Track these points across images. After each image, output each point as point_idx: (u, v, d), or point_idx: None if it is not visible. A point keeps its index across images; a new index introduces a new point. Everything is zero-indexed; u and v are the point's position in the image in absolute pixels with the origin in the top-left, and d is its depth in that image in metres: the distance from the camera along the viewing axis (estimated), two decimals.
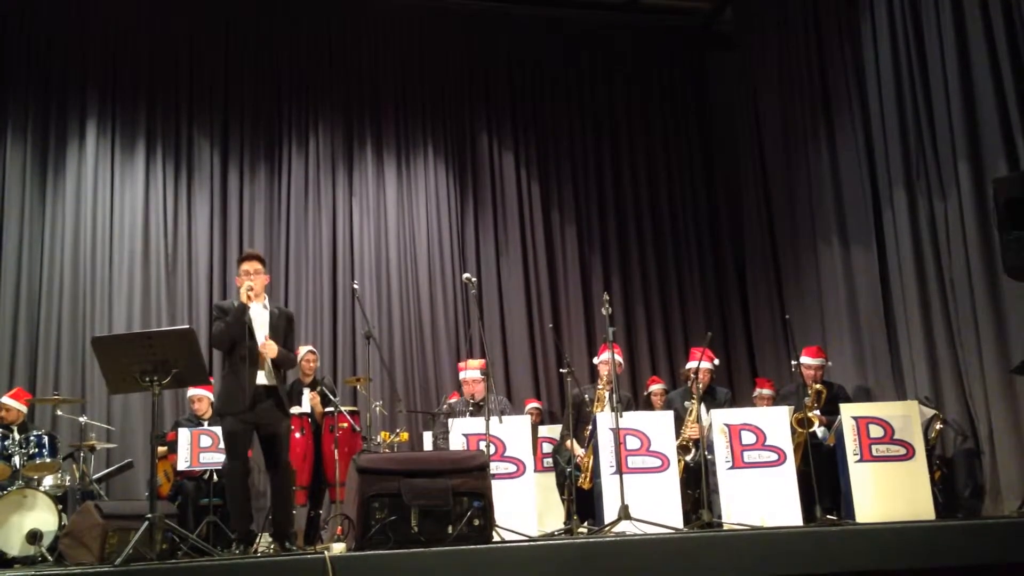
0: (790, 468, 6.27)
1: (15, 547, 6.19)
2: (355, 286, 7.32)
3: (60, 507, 6.45)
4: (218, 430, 6.84)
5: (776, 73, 9.64)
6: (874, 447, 6.34)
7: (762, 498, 6.16)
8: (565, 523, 6.43)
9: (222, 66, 9.63)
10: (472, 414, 7.10)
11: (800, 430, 6.68)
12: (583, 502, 6.69)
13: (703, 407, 6.91)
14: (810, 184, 9.09)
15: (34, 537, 6.22)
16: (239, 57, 9.69)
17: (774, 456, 6.30)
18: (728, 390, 7.94)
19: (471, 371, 7.42)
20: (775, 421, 6.40)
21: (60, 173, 9.00)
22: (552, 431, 7.93)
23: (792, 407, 6.86)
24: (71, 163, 9.03)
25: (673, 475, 6.24)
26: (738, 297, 10.41)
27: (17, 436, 6.66)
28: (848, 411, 6.45)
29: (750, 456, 6.30)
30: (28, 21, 9.09)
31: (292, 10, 9.83)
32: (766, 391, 8.34)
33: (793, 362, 7.02)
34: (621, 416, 5.99)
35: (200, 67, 9.58)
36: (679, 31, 10.97)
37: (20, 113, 8.98)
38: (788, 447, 6.32)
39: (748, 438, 6.34)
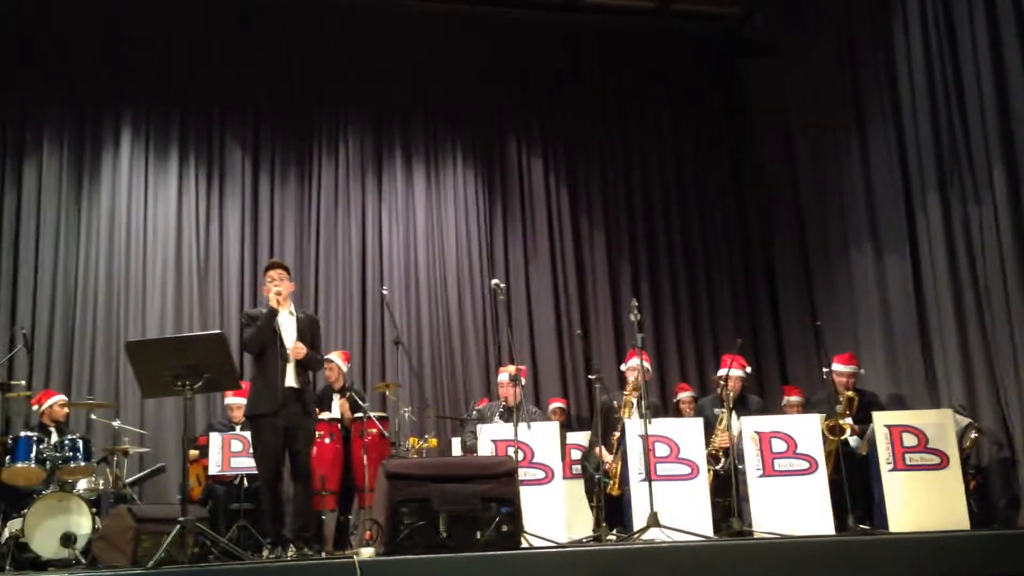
0: (822, 476, 6.21)
1: (50, 550, 6.24)
2: (384, 292, 7.38)
3: (94, 510, 6.51)
4: (249, 435, 6.91)
5: (807, 77, 9.57)
6: (908, 456, 6.26)
7: (793, 507, 6.10)
8: (594, 530, 6.40)
9: (253, 74, 9.72)
10: (503, 417, 7.10)
11: (832, 438, 6.61)
12: (612, 509, 6.65)
13: (734, 415, 6.85)
14: (841, 189, 9.01)
15: (68, 540, 6.26)
16: (270, 65, 9.77)
17: (805, 464, 6.24)
18: (760, 399, 7.87)
19: (504, 375, 7.44)
20: (806, 429, 6.34)
21: (95, 181, 9.13)
22: (580, 438, 7.91)
23: (823, 415, 6.79)
24: (106, 171, 9.15)
25: (703, 482, 6.19)
26: (768, 303, 10.33)
27: (55, 439, 6.74)
28: (881, 419, 6.38)
29: (781, 464, 6.25)
30: (64, 33, 9.22)
31: (322, 18, 9.89)
32: (794, 398, 8.28)
33: (824, 369, 6.93)
34: (650, 422, 5.96)
35: (232, 75, 9.67)
36: (709, 36, 10.91)
37: (56, 122, 9.13)
38: (820, 455, 6.26)
39: (779, 446, 6.29)
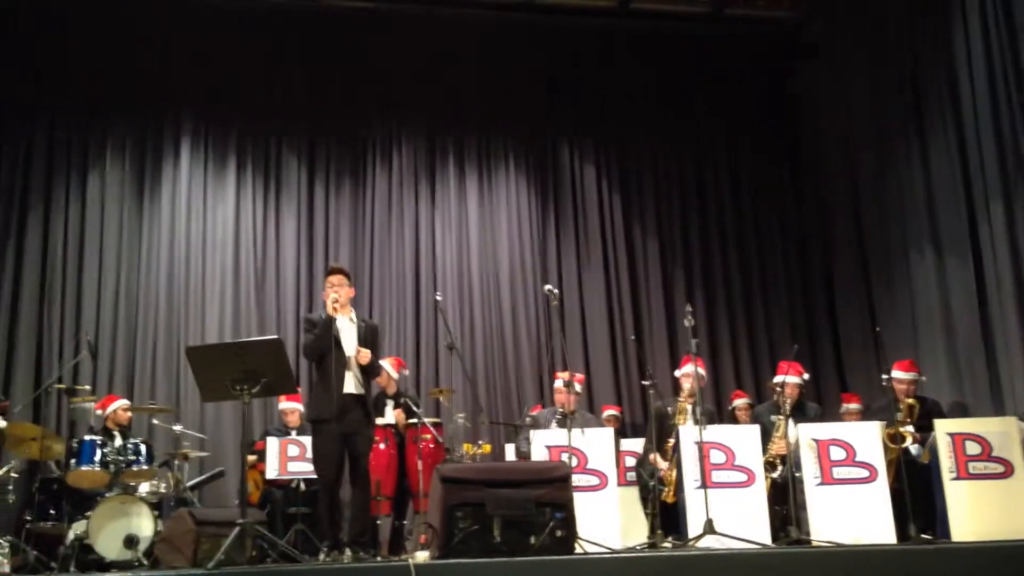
0: (882, 485, 6.09)
1: (113, 551, 6.35)
2: (438, 297, 7.42)
3: (156, 513, 6.62)
4: (306, 440, 7.00)
5: (866, 81, 9.43)
6: (971, 464, 6.12)
7: (853, 516, 5.99)
8: (648, 537, 6.36)
9: (309, 85, 9.87)
10: (560, 423, 7.10)
11: (892, 446, 6.48)
12: (667, 517, 6.59)
13: (791, 422, 6.76)
14: (901, 193, 8.86)
15: (131, 542, 6.36)
16: (325, 76, 9.91)
17: (865, 473, 6.13)
18: (819, 406, 7.76)
19: (560, 382, 7.44)
20: (866, 436, 6.23)
21: (156, 191, 9.33)
22: (634, 445, 7.86)
23: (883, 422, 6.67)
24: (166, 181, 9.35)
25: (760, 490, 6.12)
26: (826, 309, 10.18)
27: (118, 443, 6.88)
28: (943, 427, 6.24)
29: (840, 472, 6.15)
30: (126, 47, 9.44)
31: (376, 29, 9.99)
32: (853, 406, 8.14)
33: (884, 376, 6.80)
34: (705, 429, 5.91)
35: (288, 86, 9.84)
36: (765, 41, 10.82)
37: (119, 134, 9.36)
38: (880, 463, 6.15)
39: (837, 454, 6.19)
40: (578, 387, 7.39)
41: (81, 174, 9.21)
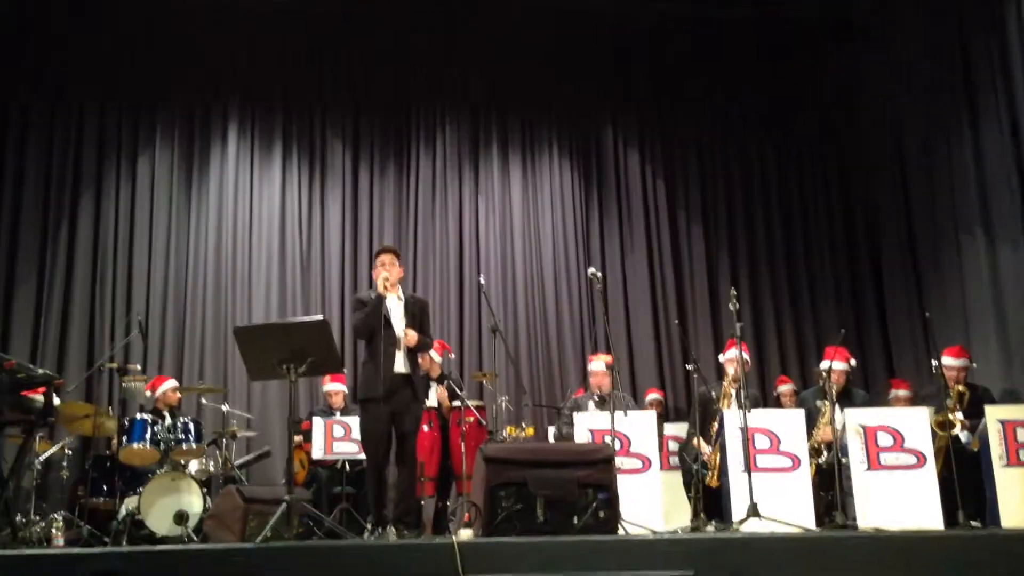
0: (930, 472, 5.99)
1: (163, 527, 6.48)
2: (481, 280, 7.41)
3: (205, 490, 6.74)
4: (351, 420, 7.08)
5: (915, 61, 9.28)
6: (1022, 452, 6.00)
7: (900, 502, 5.90)
8: (692, 521, 6.34)
9: (353, 70, 9.94)
10: (597, 406, 7.09)
11: (941, 433, 6.39)
12: (710, 501, 6.58)
13: (837, 408, 6.69)
14: (952, 175, 8.70)
15: (181, 518, 6.48)
16: (370, 61, 9.95)
17: (913, 459, 6.04)
18: (866, 392, 7.67)
19: (597, 363, 7.42)
20: (914, 423, 6.13)
21: (204, 175, 9.45)
22: (678, 429, 7.84)
23: (932, 409, 6.57)
24: (214, 165, 9.47)
25: (805, 475, 6.06)
26: (873, 294, 10.05)
27: (168, 421, 7.01)
28: (994, 414, 6.12)
29: (887, 458, 6.06)
30: (174, 33, 9.55)
31: (420, 14, 10.01)
32: (902, 392, 8.03)
33: (933, 363, 6.70)
34: (749, 413, 5.87)
35: (333, 72, 9.91)
36: (812, 23, 10.65)
37: (169, 120, 9.49)
38: (928, 450, 6.05)
39: (885, 440, 6.10)
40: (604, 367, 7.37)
41: (131, 159, 9.35)
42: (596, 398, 7.25)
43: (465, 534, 4.74)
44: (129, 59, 9.51)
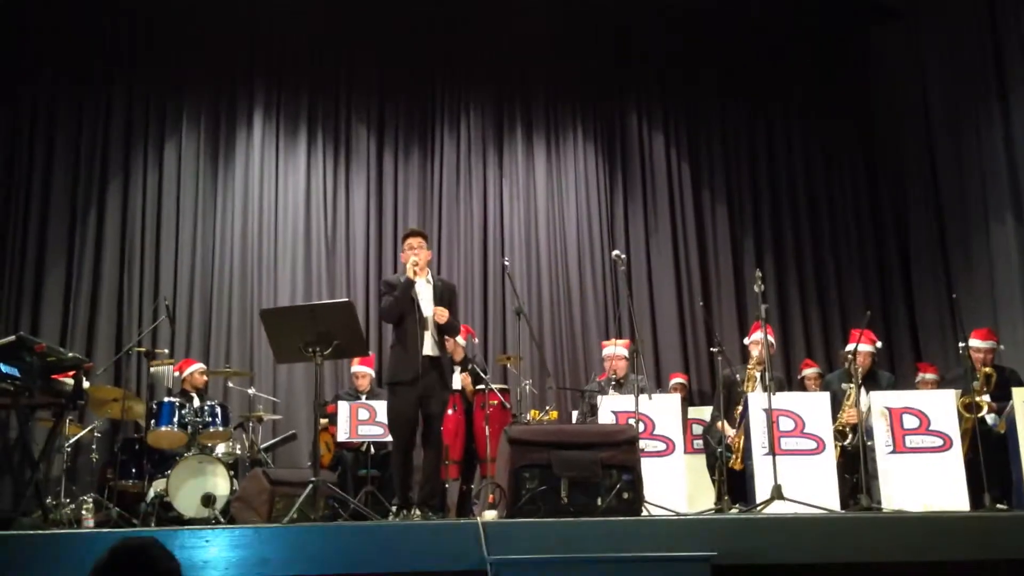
0: (956, 454, 5.96)
1: (191, 509, 6.55)
2: (505, 262, 7.42)
3: (231, 473, 6.81)
4: (376, 403, 7.12)
5: (945, 45, 9.17)
6: None
7: (925, 484, 5.88)
8: (716, 503, 6.34)
9: (377, 54, 9.94)
10: (615, 390, 7.11)
11: (968, 416, 6.34)
12: (734, 484, 6.55)
13: (862, 391, 6.65)
14: (981, 159, 8.62)
15: (208, 500, 6.55)
16: (393, 45, 9.95)
17: (939, 441, 6.01)
18: (891, 375, 7.62)
19: (610, 348, 7.45)
20: (940, 405, 6.10)
21: (230, 159, 9.52)
22: (702, 413, 7.83)
23: (959, 391, 6.52)
24: (240, 150, 9.53)
25: (829, 458, 6.05)
26: (900, 277, 9.98)
27: (196, 405, 7.08)
28: (1021, 396, 6.07)
29: (912, 441, 6.03)
30: (200, 21, 9.61)
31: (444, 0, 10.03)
32: (929, 375, 7.97)
33: (960, 344, 6.65)
34: (773, 395, 5.85)
35: (357, 56, 9.93)
36: (839, 3, 10.55)
37: (195, 105, 9.54)
38: (955, 432, 6.02)
39: (911, 422, 6.07)
40: (626, 352, 7.38)
41: (158, 144, 9.43)
42: (613, 383, 7.26)
43: (489, 515, 4.76)
44: (156, 44, 9.56)
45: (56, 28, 9.35)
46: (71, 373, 5.34)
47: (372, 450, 7.34)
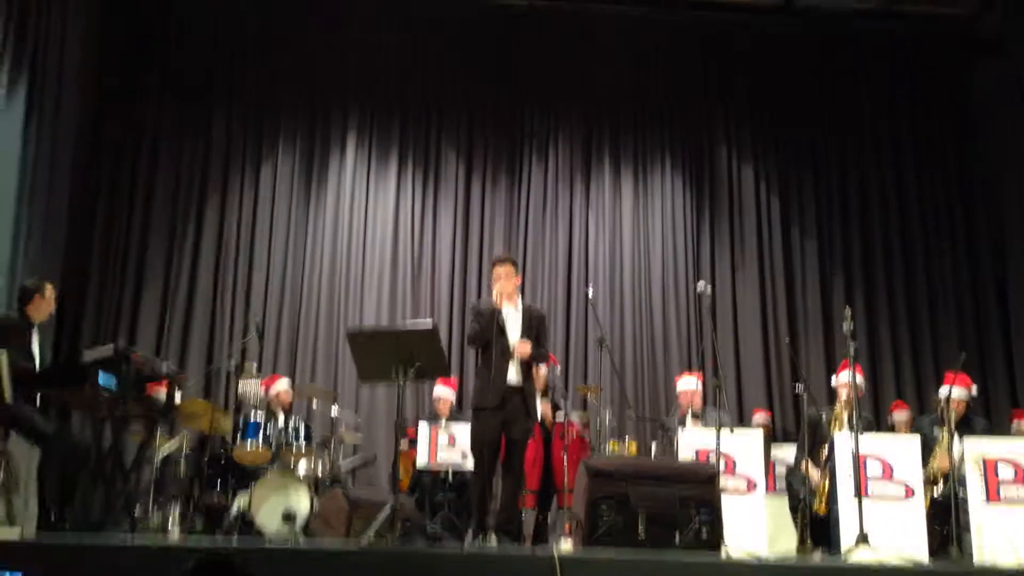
0: None
1: (272, 525, 6.65)
2: (589, 292, 7.40)
3: (312, 491, 6.91)
4: (456, 428, 7.15)
5: None
6: None
7: (1021, 538, 5.63)
8: (798, 548, 6.18)
9: (468, 83, 10.08)
10: (694, 423, 7.03)
11: None
12: (818, 528, 6.38)
13: (955, 437, 6.41)
14: None
15: (288, 517, 6.66)
16: (485, 74, 10.09)
17: None
18: (987, 421, 7.34)
19: (685, 381, 7.38)
20: None
21: (322, 183, 9.74)
22: (786, 452, 7.66)
23: None
24: (332, 173, 9.75)
25: (919, 505, 5.84)
26: (998, 319, 9.61)
27: (281, 422, 7.22)
28: None
29: (1008, 492, 5.79)
30: (297, 48, 9.91)
31: (535, 25, 10.11)
32: None
33: None
34: (861, 437, 5.69)
35: (449, 84, 10.07)
36: (933, 37, 10.32)
37: (291, 128, 9.81)
38: None
39: (1007, 472, 5.83)
40: (699, 385, 7.28)
41: (255, 167, 9.70)
42: (691, 415, 7.19)
43: (565, 546, 4.73)
44: (255, 71, 9.88)
45: (162, 53, 9.74)
46: (164, 384, 5.50)
47: (450, 476, 7.37)
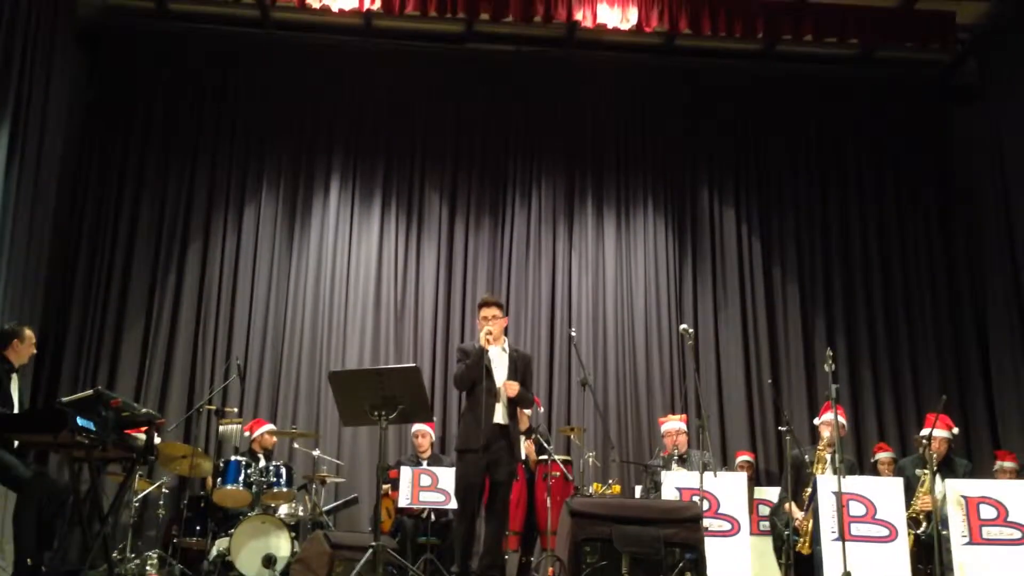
0: None
1: (252, 569, 6.58)
2: (572, 334, 7.43)
3: (293, 535, 6.84)
4: (438, 470, 7.11)
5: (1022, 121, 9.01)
6: None
7: None
8: None
9: (452, 127, 10.15)
10: (678, 465, 7.03)
11: None
12: (802, 569, 6.38)
13: (937, 478, 6.44)
14: None
15: (269, 561, 6.58)
16: (468, 116, 10.17)
17: (1017, 534, 5.79)
18: (968, 462, 7.37)
19: (669, 423, 7.40)
20: (1019, 495, 5.87)
21: (305, 225, 9.74)
22: (768, 493, 7.66)
23: None
24: (316, 216, 9.76)
25: (902, 546, 5.85)
26: (978, 360, 9.67)
27: (262, 464, 7.16)
28: None
29: (990, 532, 5.81)
30: (282, 89, 9.96)
31: (518, 70, 10.22)
32: (1008, 464, 7.71)
33: None
34: (844, 478, 5.70)
35: (433, 126, 10.14)
36: (913, 83, 10.51)
37: (275, 171, 9.83)
38: None
39: (988, 512, 5.86)
40: (684, 426, 7.32)
41: (238, 209, 9.70)
42: (676, 458, 7.19)
43: None
44: (239, 112, 9.91)
45: (147, 95, 9.77)
46: (143, 428, 5.46)
47: (432, 517, 7.32)
